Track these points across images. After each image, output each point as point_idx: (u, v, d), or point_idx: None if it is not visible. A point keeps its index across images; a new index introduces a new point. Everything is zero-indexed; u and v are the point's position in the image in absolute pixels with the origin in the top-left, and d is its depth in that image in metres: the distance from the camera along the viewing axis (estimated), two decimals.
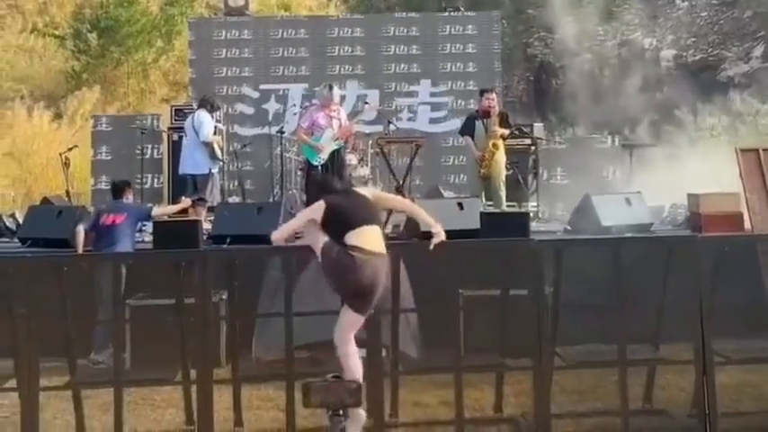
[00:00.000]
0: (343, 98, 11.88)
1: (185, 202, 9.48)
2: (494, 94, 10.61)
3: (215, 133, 10.55)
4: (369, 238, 5.67)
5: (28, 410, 5.79)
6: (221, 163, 10.75)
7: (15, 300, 5.92)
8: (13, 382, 5.99)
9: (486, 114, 10.39)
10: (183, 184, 10.65)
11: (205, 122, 10.31)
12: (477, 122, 10.45)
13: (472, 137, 10.46)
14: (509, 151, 10.79)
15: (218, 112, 12.52)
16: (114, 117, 15.54)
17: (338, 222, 5.68)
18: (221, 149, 10.72)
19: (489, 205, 10.15)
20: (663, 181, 14.71)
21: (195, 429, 5.97)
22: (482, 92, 10.74)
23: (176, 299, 6.37)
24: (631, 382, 6.10)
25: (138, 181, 11.82)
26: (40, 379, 5.90)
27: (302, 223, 5.84)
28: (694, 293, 6.28)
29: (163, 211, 9.22)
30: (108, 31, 23.08)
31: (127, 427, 5.89)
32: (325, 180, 6.28)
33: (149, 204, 9.04)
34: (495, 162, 10.26)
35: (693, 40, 21.38)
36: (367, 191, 6.09)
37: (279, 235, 5.89)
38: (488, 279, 6.69)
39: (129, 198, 8.62)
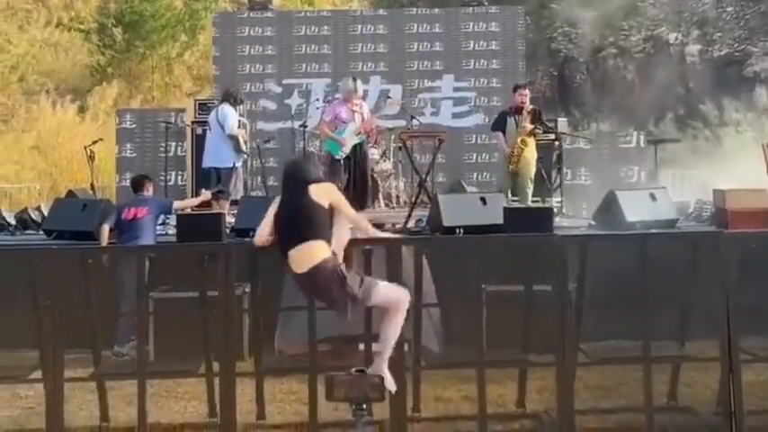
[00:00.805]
0: (365, 93, 11.88)
1: (206, 194, 9.50)
2: (527, 90, 10.63)
3: (239, 127, 10.58)
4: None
5: (53, 401, 5.82)
6: (245, 156, 10.77)
7: (40, 291, 5.95)
8: (38, 373, 6.04)
9: (518, 110, 10.39)
10: (206, 178, 10.65)
11: (230, 115, 10.33)
12: (508, 118, 10.45)
13: (504, 133, 10.45)
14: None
15: (241, 107, 12.60)
16: (138, 111, 15.59)
17: None
18: (245, 143, 10.74)
19: (515, 200, 10.13)
20: (688, 176, 14.65)
21: (218, 422, 5.98)
22: (515, 87, 10.75)
23: (199, 292, 6.39)
24: (656, 379, 6.04)
25: (162, 178, 11.85)
26: (65, 370, 5.93)
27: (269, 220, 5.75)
28: (720, 290, 6.21)
29: (184, 203, 9.27)
30: (133, 26, 23.24)
31: (150, 418, 5.90)
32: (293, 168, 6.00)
33: (170, 198, 9.06)
34: (524, 159, 10.24)
35: (719, 35, 21.21)
36: (325, 195, 5.65)
37: (259, 239, 5.80)
38: (512, 274, 6.66)
39: (149, 191, 8.66)
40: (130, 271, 7.09)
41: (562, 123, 12.89)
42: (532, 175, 10.38)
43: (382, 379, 2.89)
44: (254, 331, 6.52)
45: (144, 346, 6.27)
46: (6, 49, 22.21)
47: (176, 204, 8.88)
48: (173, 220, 9.16)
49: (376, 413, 4.87)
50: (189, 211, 9.10)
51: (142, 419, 5.85)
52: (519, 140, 10.17)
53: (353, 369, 3.33)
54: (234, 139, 10.26)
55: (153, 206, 8.39)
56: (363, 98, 10.92)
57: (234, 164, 10.32)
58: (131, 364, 6.47)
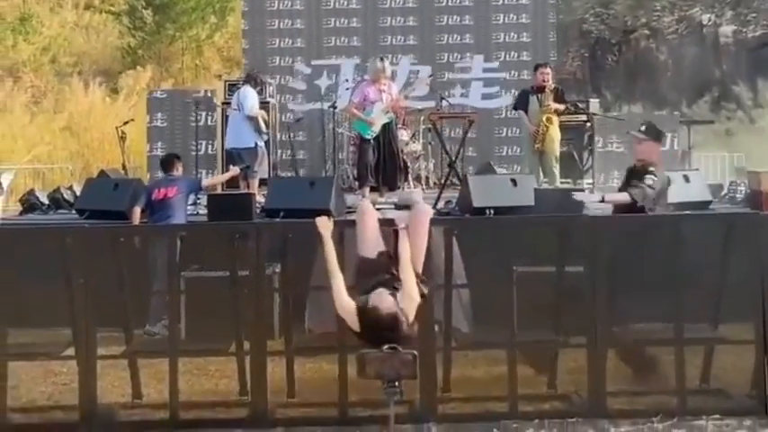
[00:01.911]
0: (394, 74, 11.83)
1: (234, 170, 9.54)
2: (548, 69, 10.49)
3: (263, 108, 10.64)
4: None
5: (86, 378, 5.89)
6: (266, 136, 10.81)
7: (73, 270, 6.01)
8: (71, 351, 6.11)
9: (540, 89, 10.29)
10: (230, 159, 10.80)
11: (249, 96, 10.42)
12: (531, 97, 10.36)
13: (526, 111, 10.37)
14: (564, 127, 10.66)
15: (269, 88, 12.62)
16: (169, 91, 15.62)
17: None
18: (266, 123, 10.80)
19: (545, 182, 10.07)
20: (722, 158, 14.49)
21: (249, 399, 6.02)
22: (536, 66, 10.64)
23: (230, 271, 6.42)
24: (689, 361, 6.01)
25: (193, 148, 11.88)
26: (98, 348, 5.99)
27: None
28: (755, 272, 6.15)
29: (212, 181, 9.32)
30: (162, 8, 23.33)
31: (181, 396, 5.95)
32: None
33: (199, 176, 9.10)
34: (549, 137, 10.16)
35: (754, 15, 20.90)
36: None
37: None
38: (543, 255, 6.62)
39: (178, 171, 8.68)
40: (162, 250, 7.13)
41: (593, 104, 12.78)
42: (557, 154, 10.30)
43: (414, 356, 2.88)
44: (285, 310, 6.54)
45: (175, 324, 6.32)
46: (38, 31, 22.40)
47: (205, 182, 8.93)
48: (203, 200, 9.19)
49: (407, 393, 4.88)
50: (219, 189, 9.11)
51: (174, 397, 5.90)
52: (544, 118, 10.09)
53: (385, 346, 3.31)
54: (253, 120, 10.34)
55: (182, 185, 8.42)
56: (392, 79, 10.88)
57: (255, 143, 10.39)
58: (163, 343, 6.52)
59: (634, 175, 6.96)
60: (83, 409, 5.86)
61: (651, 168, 6.87)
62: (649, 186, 6.78)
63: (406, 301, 4.57)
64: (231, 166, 9.77)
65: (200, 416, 6.00)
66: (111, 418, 5.97)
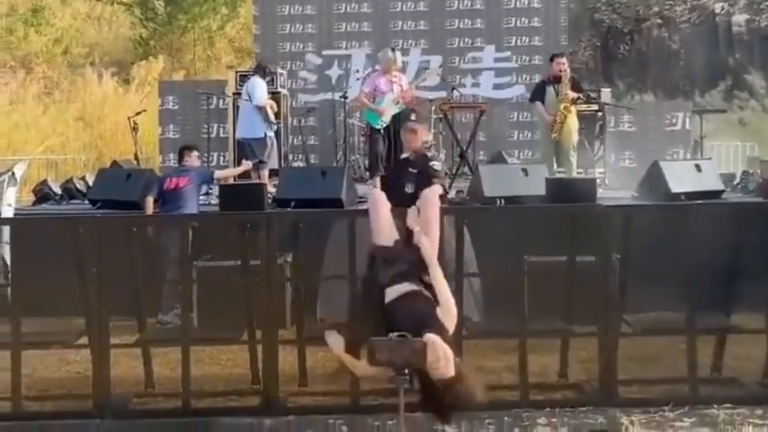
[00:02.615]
0: (405, 65, 11.82)
1: (246, 164, 9.58)
2: (564, 59, 10.45)
3: (274, 99, 10.67)
4: None
5: (99, 366, 5.92)
6: (276, 127, 10.83)
7: (86, 260, 6.04)
8: (84, 339, 6.15)
9: (556, 79, 10.26)
10: (241, 149, 10.85)
11: (258, 86, 10.45)
12: (547, 87, 10.32)
13: (543, 102, 10.34)
14: (577, 117, 10.64)
15: (280, 78, 12.62)
16: (180, 82, 15.67)
17: None
18: (276, 113, 10.83)
19: (561, 172, 10.05)
20: (734, 148, 14.42)
21: (261, 388, 6.06)
22: (552, 57, 10.60)
23: (242, 260, 6.44)
24: (700, 350, 5.99)
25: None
26: (111, 337, 6.03)
27: None
28: (767, 261, 6.14)
29: (225, 173, 9.37)
30: None
31: (194, 385, 5.98)
32: None
33: (212, 168, 9.15)
34: (567, 127, 10.13)
35: (767, 4, 20.77)
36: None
37: None
38: (554, 245, 6.61)
39: (192, 161, 8.73)
40: (173, 240, 7.18)
41: (605, 94, 12.73)
42: (575, 143, 10.26)
43: (424, 344, 2.88)
44: (296, 300, 6.57)
45: (188, 313, 6.35)
46: (50, 23, 22.46)
47: (218, 174, 9.01)
48: (215, 190, 9.22)
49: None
50: (231, 180, 9.15)
51: (186, 385, 5.93)
52: (562, 107, 10.05)
53: (395, 334, 3.32)
54: (262, 109, 10.36)
55: (194, 176, 8.45)
56: (403, 71, 10.87)
57: (265, 134, 10.41)
58: (175, 332, 6.55)
59: None
60: (96, 397, 5.90)
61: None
62: None
63: (446, 316, 4.47)
64: (244, 160, 9.79)
65: (212, 404, 6.04)
66: (124, 407, 6.01)
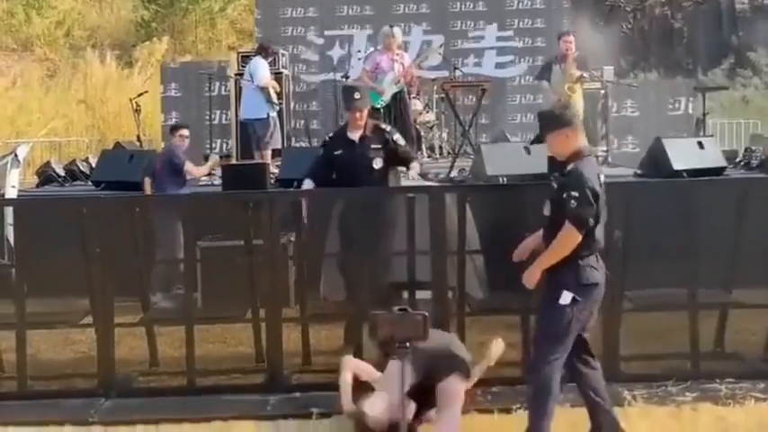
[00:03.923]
0: (407, 44, 11.79)
1: (214, 159, 9.34)
2: (571, 37, 10.46)
3: (276, 79, 10.67)
4: None
5: (104, 346, 5.96)
6: (278, 107, 10.84)
7: (90, 240, 6.06)
8: (89, 319, 6.19)
9: (563, 58, 10.26)
10: (245, 130, 10.90)
11: (260, 67, 10.49)
12: (554, 66, 10.33)
13: (549, 81, 10.35)
14: None
15: (282, 59, 12.60)
16: (182, 64, 15.66)
17: None
18: (278, 94, 10.84)
19: None
20: (737, 125, 14.39)
21: (265, 366, 6.09)
22: (559, 35, 10.61)
23: (245, 240, 6.46)
24: (703, 325, 6.01)
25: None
26: (115, 316, 6.06)
27: None
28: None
29: (193, 170, 8.72)
30: None
31: (198, 363, 6.02)
32: None
33: (184, 159, 8.73)
34: (572, 105, 10.12)
35: None
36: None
37: None
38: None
39: (176, 140, 8.62)
40: (165, 221, 7.23)
41: (608, 72, 12.70)
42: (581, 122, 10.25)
43: (424, 317, 2.90)
44: (299, 278, 6.59)
45: (192, 292, 6.37)
46: (52, 5, 22.41)
47: (188, 166, 8.55)
48: (218, 171, 9.22)
49: None
50: (196, 172, 8.76)
51: (191, 364, 5.97)
52: (566, 87, 10.05)
53: (396, 308, 3.34)
54: (264, 90, 10.38)
55: (166, 164, 8.42)
56: (405, 49, 10.85)
57: (267, 114, 10.43)
58: (180, 311, 6.58)
59: None
60: (101, 375, 5.93)
61: None
62: None
63: None
64: (211, 155, 9.63)
65: (216, 382, 6.08)
66: (129, 385, 6.05)
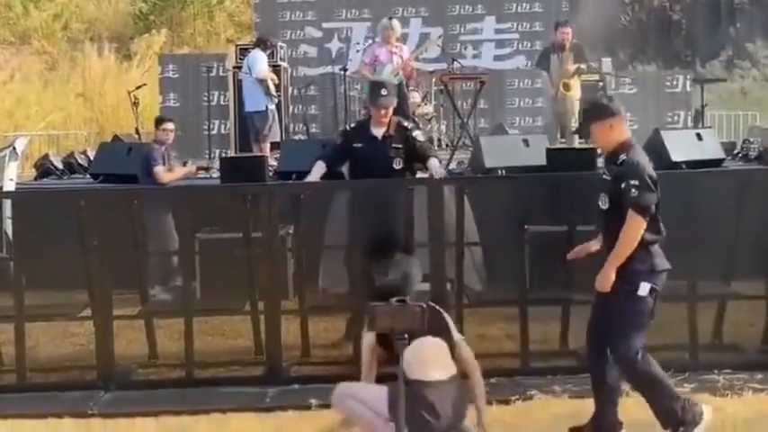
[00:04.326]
0: (406, 36, 11.77)
1: (189, 168, 9.04)
2: (568, 28, 10.47)
3: (275, 72, 10.68)
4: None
5: (102, 338, 5.97)
6: (277, 99, 10.85)
7: (88, 232, 6.07)
8: (88, 312, 6.19)
9: (560, 48, 10.28)
10: (244, 124, 11.01)
11: (259, 60, 10.52)
12: (552, 56, 10.35)
13: (548, 71, 10.37)
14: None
15: (280, 51, 12.59)
16: (180, 56, 15.67)
17: None
18: (277, 86, 10.84)
19: (563, 142, 10.07)
20: (735, 117, 14.39)
21: (264, 358, 6.10)
22: (556, 25, 10.63)
23: (243, 232, 6.47)
24: (701, 317, 6.03)
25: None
26: (114, 309, 6.07)
27: None
28: (767, 228, 6.16)
29: (163, 175, 8.30)
30: None
31: (197, 355, 6.03)
32: None
33: (156, 161, 8.62)
34: (569, 98, 10.16)
35: None
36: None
37: None
38: (554, 215, 6.62)
39: (160, 135, 8.48)
40: (156, 213, 7.23)
41: (606, 63, 12.72)
42: (577, 115, 10.27)
43: (423, 309, 2.91)
44: (298, 271, 6.60)
45: (190, 285, 6.38)
46: None
47: (157, 169, 8.26)
48: (216, 163, 9.21)
49: None
50: (165, 177, 8.35)
51: (189, 356, 5.97)
52: (561, 84, 10.08)
53: (395, 299, 3.34)
54: (263, 82, 10.39)
55: (141, 161, 8.32)
56: (403, 42, 10.84)
57: (266, 107, 10.45)
58: (178, 303, 6.58)
59: None
60: (100, 368, 5.95)
61: None
62: None
63: None
64: (188, 162, 9.32)
65: (215, 374, 6.09)
66: (128, 377, 6.06)
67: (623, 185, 4.57)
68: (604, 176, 4.80)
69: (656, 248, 4.71)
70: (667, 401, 4.69)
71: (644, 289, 4.65)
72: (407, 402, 3.80)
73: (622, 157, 4.69)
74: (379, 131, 6.39)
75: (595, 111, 4.90)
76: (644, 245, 4.64)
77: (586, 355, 5.01)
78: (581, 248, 5.11)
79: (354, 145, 6.44)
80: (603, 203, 4.76)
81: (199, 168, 9.08)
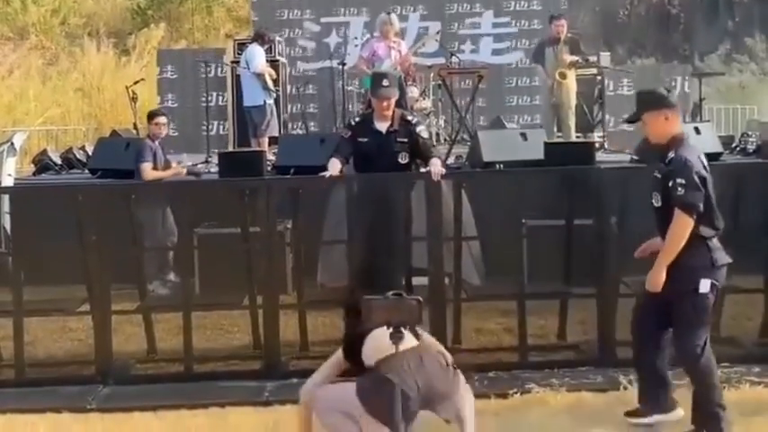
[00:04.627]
0: (404, 31, 11.76)
1: (177, 168, 8.82)
2: (563, 20, 10.50)
3: (273, 67, 10.69)
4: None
5: (101, 333, 5.97)
6: (275, 94, 10.85)
7: (86, 227, 6.07)
8: (86, 307, 6.20)
9: (555, 41, 10.31)
10: (243, 119, 11.04)
11: (256, 54, 10.55)
12: (547, 49, 10.38)
13: (543, 64, 10.39)
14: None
15: (278, 46, 12.58)
16: (178, 52, 15.65)
17: None
18: (275, 81, 10.85)
19: (559, 136, 10.08)
20: (733, 111, 14.38)
21: (262, 353, 6.11)
22: (551, 18, 10.65)
23: (242, 227, 6.47)
24: None
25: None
26: (112, 304, 6.07)
27: None
28: (765, 222, 6.17)
29: (148, 173, 8.16)
30: None
31: (196, 350, 6.03)
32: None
33: (145, 158, 8.58)
34: (566, 90, 10.16)
35: None
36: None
37: None
38: (552, 208, 6.64)
39: (153, 129, 8.45)
40: (150, 209, 7.23)
41: (604, 58, 12.71)
42: (573, 107, 10.29)
43: (419, 302, 2.90)
44: (297, 265, 6.61)
45: (189, 279, 6.39)
46: None
47: (143, 165, 8.17)
48: (215, 158, 9.22)
49: None
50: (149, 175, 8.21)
51: (188, 351, 5.99)
52: (557, 74, 10.10)
53: (390, 293, 3.34)
54: (261, 77, 10.39)
55: (133, 156, 8.31)
56: (402, 36, 10.83)
57: (264, 101, 10.45)
58: (177, 298, 6.59)
59: None
60: (98, 363, 5.96)
61: None
62: None
63: None
64: (174, 164, 8.97)
65: (214, 369, 6.10)
66: (127, 372, 6.07)
67: (671, 184, 4.55)
68: (655, 174, 4.74)
69: (714, 243, 4.67)
70: (714, 402, 4.70)
71: (704, 286, 4.61)
72: (374, 389, 3.77)
73: (671, 154, 4.64)
74: (383, 126, 6.34)
75: (652, 98, 4.83)
76: (701, 241, 4.62)
77: (637, 348, 4.95)
78: (648, 245, 5.03)
79: (359, 139, 6.38)
80: (656, 201, 4.72)
81: (189, 173, 9.04)
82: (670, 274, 4.62)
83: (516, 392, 5.49)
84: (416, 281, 6.31)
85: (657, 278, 4.62)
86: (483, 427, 4.88)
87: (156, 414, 5.37)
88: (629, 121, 5.13)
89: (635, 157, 9.16)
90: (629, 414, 4.93)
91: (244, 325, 6.54)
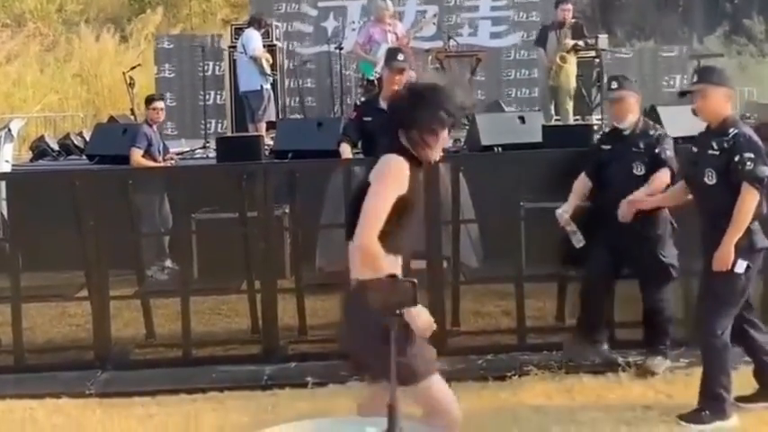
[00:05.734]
0: (401, 15, 11.72)
1: (169, 159, 8.77)
2: (569, 5, 10.50)
3: (270, 52, 10.67)
4: None
5: (99, 318, 5.98)
6: (272, 78, 10.83)
7: (84, 213, 6.07)
8: (84, 292, 6.20)
9: (560, 25, 10.32)
10: (241, 104, 11.04)
11: (253, 39, 10.54)
12: (550, 33, 10.38)
13: (545, 47, 10.40)
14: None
15: (275, 31, 12.54)
16: (176, 36, 15.61)
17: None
18: (272, 66, 10.83)
19: (557, 119, 10.07)
20: (732, 92, 14.31)
21: (260, 337, 6.12)
22: (557, 3, 10.64)
23: (240, 212, 6.47)
24: (696, 293, 6.02)
25: (201, 98, 11.88)
26: (110, 289, 6.08)
27: None
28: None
29: (135, 160, 8.15)
30: None
31: (194, 335, 6.04)
32: None
33: (137, 143, 8.56)
34: (564, 73, 10.16)
35: None
36: None
37: None
38: (550, 191, 6.61)
39: (150, 115, 8.43)
40: (148, 195, 7.21)
41: (602, 40, 12.65)
42: (572, 90, 10.28)
43: (414, 284, 2.86)
44: (295, 249, 6.61)
45: (187, 264, 6.39)
46: None
47: (133, 150, 8.17)
48: (213, 143, 9.20)
49: None
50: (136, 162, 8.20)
51: (186, 336, 5.99)
52: (558, 57, 10.08)
53: (385, 275, 3.33)
54: (257, 61, 10.38)
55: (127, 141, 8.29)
56: (399, 19, 10.80)
57: (261, 86, 10.44)
58: (175, 283, 6.60)
59: None
60: (97, 348, 5.97)
61: None
62: None
63: None
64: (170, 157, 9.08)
65: (213, 353, 6.10)
66: (125, 357, 6.08)
67: (737, 158, 4.52)
68: (710, 152, 4.67)
69: (755, 225, 4.65)
70: (720, 384, 4.70)
71: (740, 266, 4.59)
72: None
73: (733, 130, 4.63)
74: (386, 104, 6.36)
75: (715, 73, 4.84)
76: None
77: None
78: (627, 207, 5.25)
79: (364, 119, 6.48)
80: (710, 179, 4.65)
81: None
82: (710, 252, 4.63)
83: (515, 374, 5.51)
84: (414, 264, 6.30)
85: (727, 256, 4.57)
86: (482, 409, 4.91)
87: (155, 399, 5.38)
88: (685, 91, 5.11)
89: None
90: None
91: (242, 309, 6.54)
